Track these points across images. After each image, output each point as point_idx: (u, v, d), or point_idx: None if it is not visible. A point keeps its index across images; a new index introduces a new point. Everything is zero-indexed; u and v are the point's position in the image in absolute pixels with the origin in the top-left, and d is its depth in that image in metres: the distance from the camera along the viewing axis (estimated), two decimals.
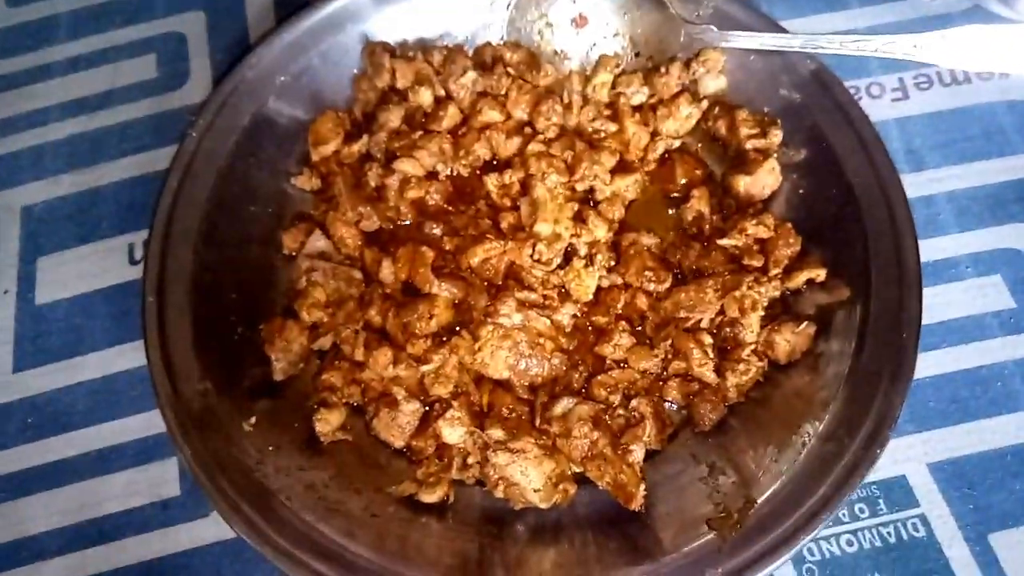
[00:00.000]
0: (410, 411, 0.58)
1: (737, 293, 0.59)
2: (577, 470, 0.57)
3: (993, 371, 0.63)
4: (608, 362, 0.62)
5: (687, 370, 0.60)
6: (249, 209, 0.66)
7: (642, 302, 0.63)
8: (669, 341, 0.61)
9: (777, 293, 0.62)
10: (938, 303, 0.65)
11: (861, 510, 0.59)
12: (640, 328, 0.63)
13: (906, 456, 0.60)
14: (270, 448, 0.55)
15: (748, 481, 0.54)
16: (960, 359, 0.64)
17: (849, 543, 0.58)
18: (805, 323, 0.59)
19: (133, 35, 0.81)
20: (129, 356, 0.66)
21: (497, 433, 0.56)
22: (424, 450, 0.58)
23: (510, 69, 0.72)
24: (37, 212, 0.73)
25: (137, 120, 0.76)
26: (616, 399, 0.59)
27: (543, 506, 0.55)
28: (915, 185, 0.70)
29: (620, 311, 0.63)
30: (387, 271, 0.64)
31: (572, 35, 0.72)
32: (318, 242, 0.65)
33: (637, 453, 0.55)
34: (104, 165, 0.74)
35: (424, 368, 0.58)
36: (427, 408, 0.60)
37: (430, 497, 0.56)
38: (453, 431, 0.57)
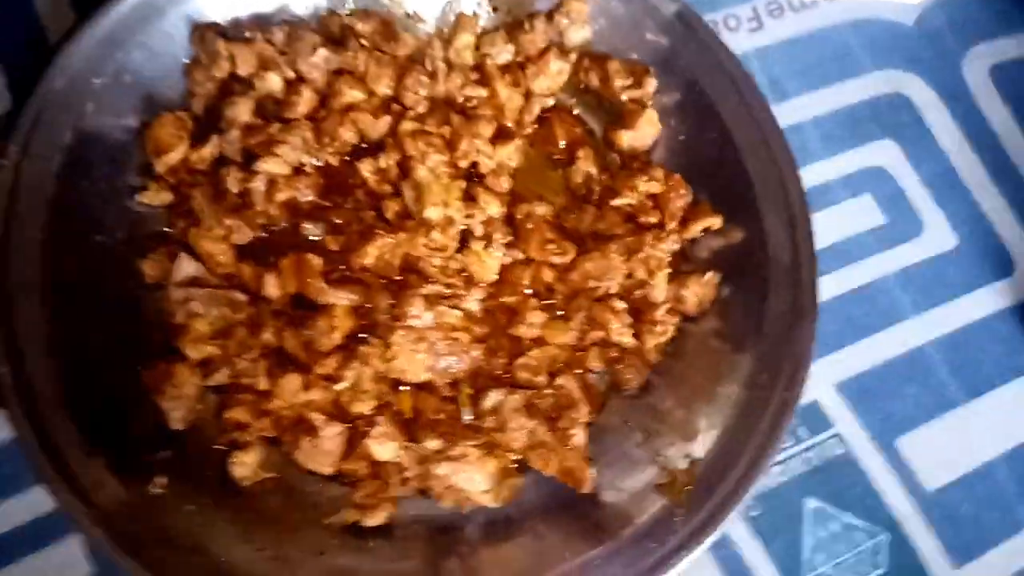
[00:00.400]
0: (332, 435, 0.57)
1: (641, 255, 0.63)
2: (518, 458, 0.59)
3: (876, 286, 0.72)
4: (525, 342, 0.63)
5: (605, 338, 0.63)
6: (95, 240, 0.60)
7: (548, 275, 0.65)
8: (583, 313, 0.63)
9: (678, 247, 0.66)
10: (820, 229, 0.70)
11: (786, 440, 0.65)
12: (551, 302, 0.65)
13: (815, 382, 0.67)
14: (188, 507, 0.53)
15: (686, 440, 0.58)
16: (847, 280, 0.72)
17: (780, 473, 0.65)
18: (710, 273, 0.64)
19: None
20: None
21: (433, 443, 0.57)
22: (358, 472, 0.58)
23: (364, 41, 0.69)
24: None
25: None
26: (542, 379, 0.61)
27: (495, 505, 0.57)
28: (781, 116, 0.75)
29: (528, 286, 0.65)
30: (271, 287, 0.61)
31: None
32: (187, 268, 0.61)
33: (579, 436, 0.58)
34: None
35: (338, 387, 0.58)
36: (350, 425, 0.59)
37: (375, 520, 0.56)
38: (384, 448, 0.57)
